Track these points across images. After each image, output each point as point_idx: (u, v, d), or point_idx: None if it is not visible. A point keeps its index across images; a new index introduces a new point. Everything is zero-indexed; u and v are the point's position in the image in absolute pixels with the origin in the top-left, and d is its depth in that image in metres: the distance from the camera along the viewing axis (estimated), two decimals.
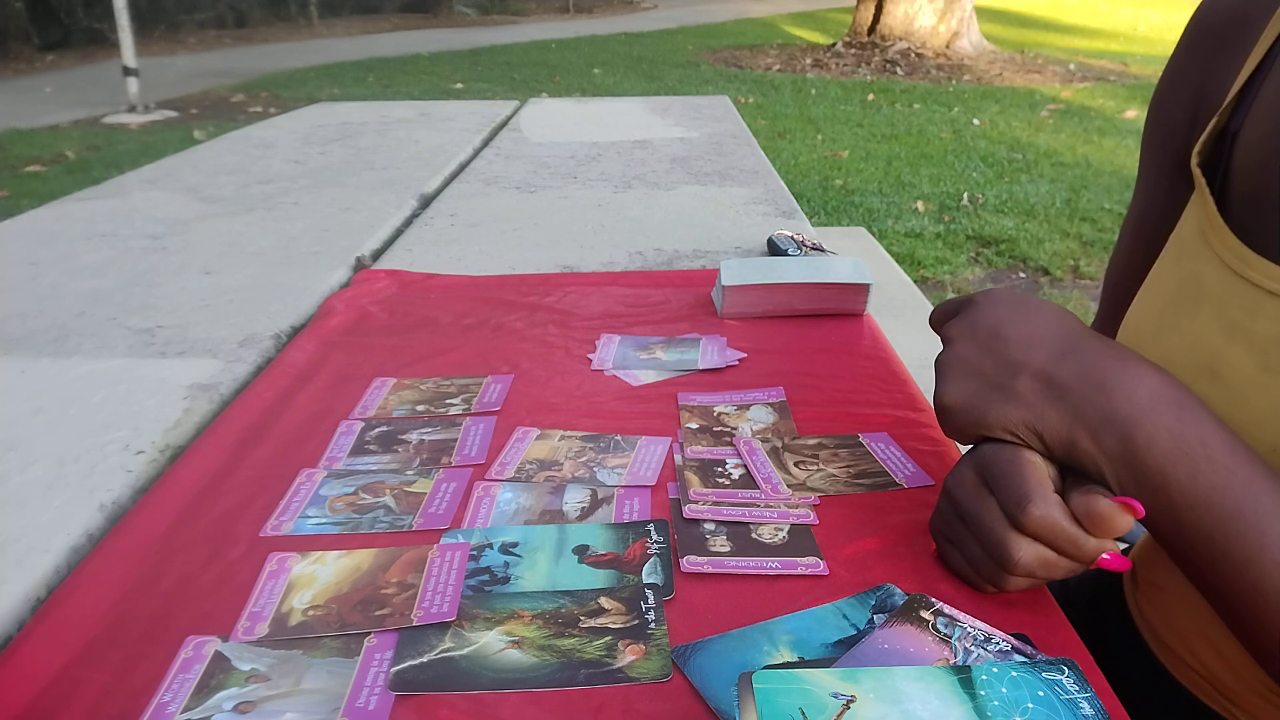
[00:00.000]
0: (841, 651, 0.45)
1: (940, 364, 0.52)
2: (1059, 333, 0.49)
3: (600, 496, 0.60)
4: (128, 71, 6.71)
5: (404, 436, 0.68)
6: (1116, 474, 0.46)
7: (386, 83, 7.99)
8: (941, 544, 0.52)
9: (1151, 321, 0.58)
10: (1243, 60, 0.57)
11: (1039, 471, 0.47)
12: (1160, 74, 0.68)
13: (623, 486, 0.61)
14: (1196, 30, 0.63)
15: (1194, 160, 0.57)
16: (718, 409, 0.72)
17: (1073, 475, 0.48)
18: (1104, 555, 0.46)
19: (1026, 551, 0.46)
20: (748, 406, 0.72)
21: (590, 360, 0.81)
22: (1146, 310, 0.59)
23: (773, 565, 0.52)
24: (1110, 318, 0.73)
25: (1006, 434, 0.49)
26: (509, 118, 2.09)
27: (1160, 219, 0.65)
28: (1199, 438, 0.45)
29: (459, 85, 7.77)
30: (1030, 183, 4.61)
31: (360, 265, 1.11)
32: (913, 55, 8.68)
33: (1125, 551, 0.73)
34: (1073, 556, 0.46)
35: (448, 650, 0.46)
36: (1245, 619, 0.44)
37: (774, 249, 1.08)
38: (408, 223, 1.29)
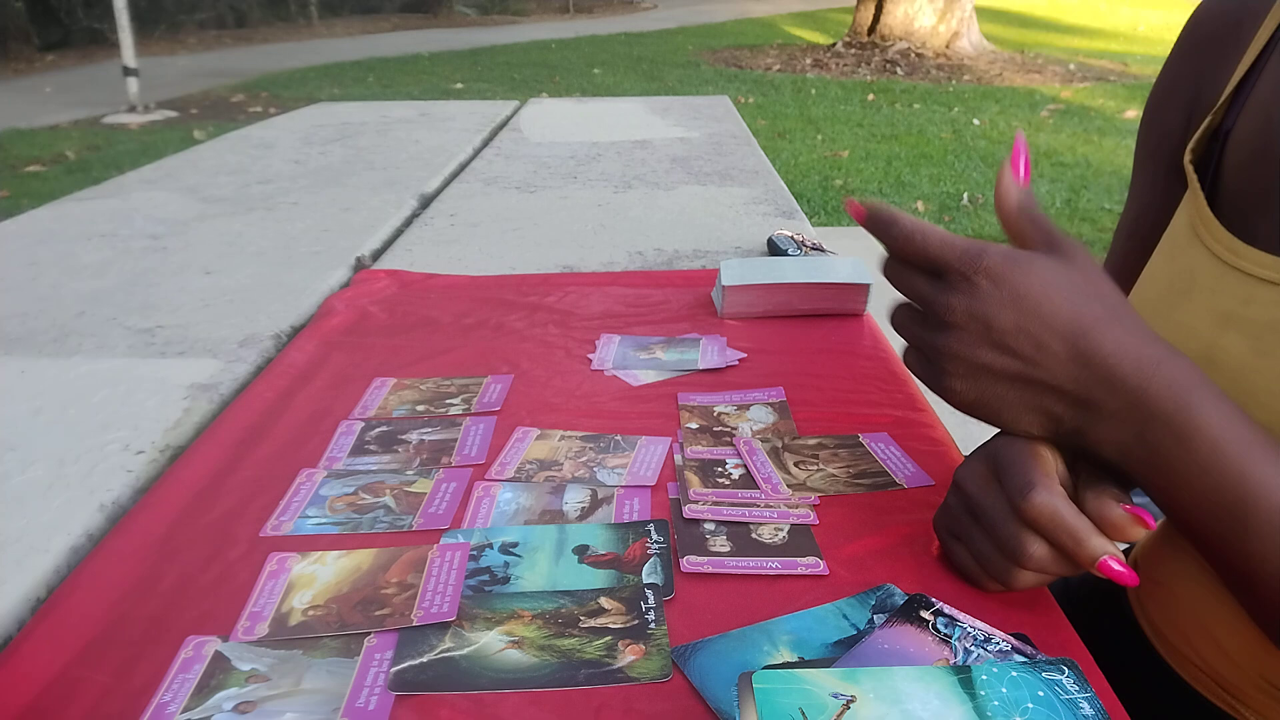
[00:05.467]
0: (841, 651, 0.45)
1: (940, 353, 0.47)
2: (1069, 330, 0.45)
3: (600, 496, 0.60)
4: (128, 71, 6.72)
5: (404, 436, 0.68)
6: (1129, 466, 0.46)
7: (386, 83, 7.99)
8: (947, 541, 0.52)
9: (1145, 316, 0.59)
10: (1237, 61, 0.58)
11: (1047, 464, 0.47)
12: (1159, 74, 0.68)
13: (623, 486, 0.61)
14: (1191, 35, 0.64)
15: (1186, 158, 0.58)
16: (718, 409, 0.72)
17: (1086, 478, 0.48)
18: (1112, 564, 0.44)
19: (1039, 544, 0.46)
20: (748, 406, 0.72)
21: (590, 360, 0.81)
22: (1139, 305, 0.61)
23: (773, 565, 0.52)
24: None
25: (1019, 433, 0.49)
26: (509, 118, 2.09)
27: (1155, 222, 0.65)
28: (1208, 441, 0.44)
29: (459, 85, 7.77)
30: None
31: (360, 265, 1.11)
32: (913, 55, 8.68)
33: (1125, 552, 0.73)
34: (1072, 553, 0.45)
35: (448, 650, 0.46)
36: (1262, 602, 0.45)
37: (774, 249, 1.08)
38: (408, 223, 1.29)
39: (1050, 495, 0.45)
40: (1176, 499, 0.45)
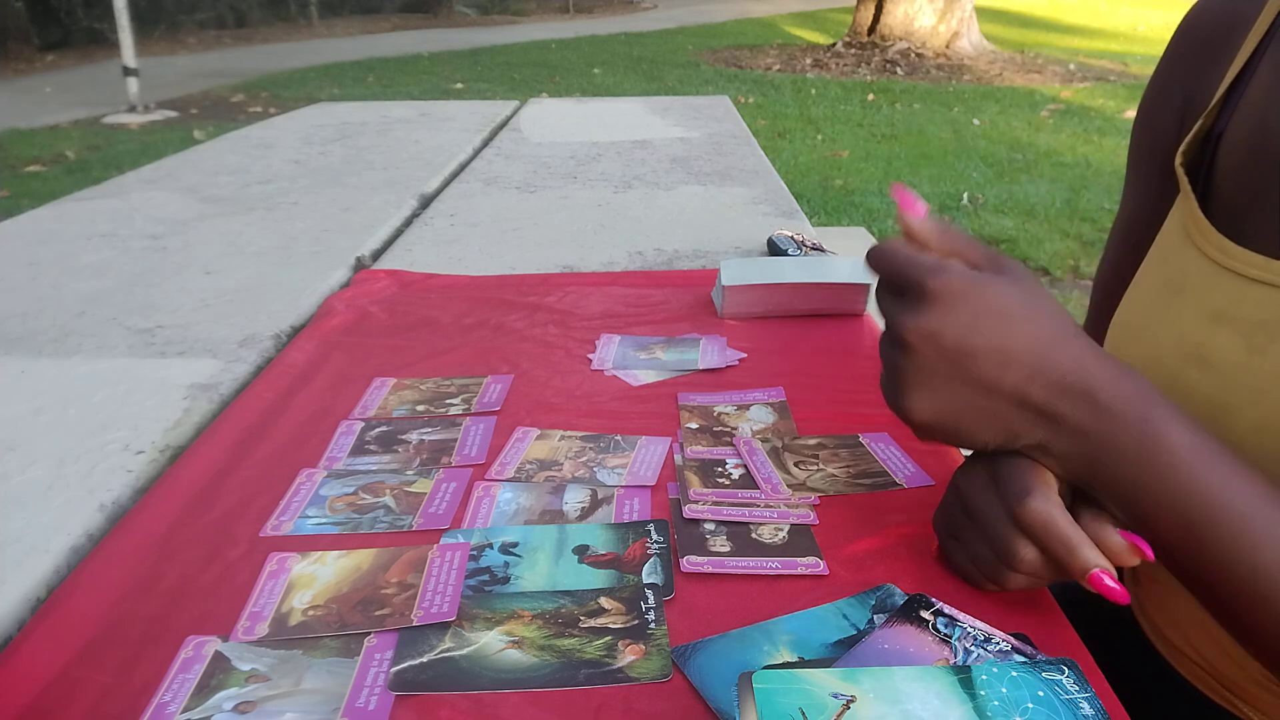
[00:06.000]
0: (841, 651, 0.45)
1: (899, 371, 0.47)
2: (1032, 344, 0.45)
3: (600, 496, 0.60)
4: (128, 71, 6.72)
5: (404, 436, 0.68)
6: (1091, 486, 0.46)
7: (386, 83, 7.99)
8: (945, 540, 0.52)
9: (1138, 317, 0.59)
10: (1228, 65, 0.59)
11: (1045, 473, 0.47)
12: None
13: (623, 486, 0.61)
14: (1182, 39, 0.65)
15: (1177, 161, 0.58)
16: (718, 409, 0.72)
17: (1083, 500, 0.47)
18: (1104, 579, 0.44)
19: (1030, 549, 0.46)
20: (748, 406, 0.72)
21: (590, 360, 0.81)
22: (1133, 307, 0.61)
23: (773, 565, 0.52)
24: (1100, 321, 0.73)
25: (981, 447, 0.49)
26: (509, 118, 2.09)
27: (1149, 224, 0.66)
28: (1169, 450, 0.44)
29: (459, 85, 7.77)
30: (1030, 183, 4.61)
31: (360, 265, 1.11)
32: (913, 55, 8.68)
33: None
34: (1064, 561, 0.45)
35: (448, 650, 0.46)
36: (1232, 614, 0.45)
37: (774, 249, 1.08)
38: (408, 223, 1.29)
39: (1046, 503, 0.45)
40: (1142, 512, 0.45)
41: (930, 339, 0.45)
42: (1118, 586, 0.44)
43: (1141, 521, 0.45)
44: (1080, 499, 0.48)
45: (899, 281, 0.47)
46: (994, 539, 0.47)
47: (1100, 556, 0.44)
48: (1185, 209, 0.57)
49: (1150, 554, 0.44)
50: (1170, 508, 0.44)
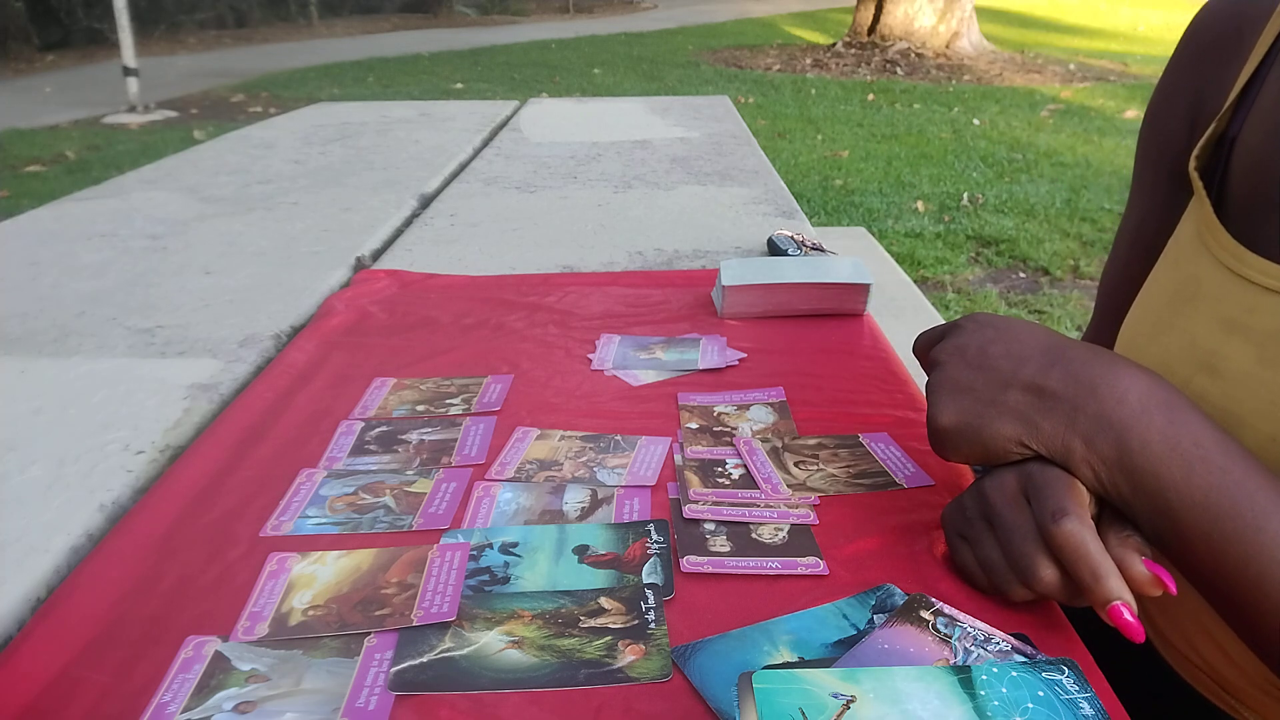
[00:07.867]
0: (841, 651, 0.45)
1: (931, 386, 0.52)
2: (1045, 346, 0.50)
3: (600, 496, 0.60)
4: (128, 71, 6.72)
5: (404, 436, 0.68)
6: (1112, 478, 0.46)
7: (386, 83, 7.99)
8: (953, 539, 0.51)
9: (1149, 323, 0.59)
10: (1239, 68, 0.58)
11: (1081, 495, 0.46)
12: (1158, 79, 0.68)
13: (623, 486, 0.61)
14: (1192, 42, 0.64)
15: (1192, 165, 0.58)
16: (718, 409, 0.72)
17: (1109, 521, 0.47)
18: (1124, 612, 0.43)
19: (1051, 570, 0.45)
20: (748, 406, 0.72)
21: (590, 360, 0.81)
22: (1144, 313, 0.60)
23: (773, 565, 0.52)
24: (1105, 325, 0.73)
25: (1003, 453, 0.48)
26: (509, 118, 2.09)
27: (1159, 228, 0.65)
28: (1191, 438, 0.44)
29: (459, 85, 7.77)
30: (1030, 183, 4.61)
31: (360, 265, 1.11)
32: (913, 55, 8.69)
33: None
34: (1088, 588, 0.44)
35: (448, 650, 0.46)
36: (1246, 617, 0.44)
37: (774, 249, 1.08)
38: (408, 223, 1.29)
39: (1081, 525, 0.44)
40: (1165, 504, 0.45)
41: (956, 352, 0.52)
42: (1135, 622, 0.43)
43: (1164, 513, 0.45)
44: (1105, 520, 0.47)
45: (933, 339, 0.56)
46: (1015, 553, 0.46)
47: (1125, 589, 0.43)
48: (1199, 214, 0.57)
49: (1173, 588, 0.44)
50: (1192, 497, 0.44)
